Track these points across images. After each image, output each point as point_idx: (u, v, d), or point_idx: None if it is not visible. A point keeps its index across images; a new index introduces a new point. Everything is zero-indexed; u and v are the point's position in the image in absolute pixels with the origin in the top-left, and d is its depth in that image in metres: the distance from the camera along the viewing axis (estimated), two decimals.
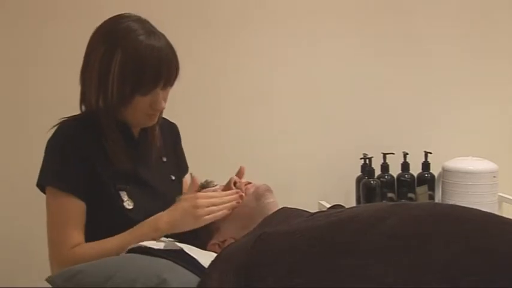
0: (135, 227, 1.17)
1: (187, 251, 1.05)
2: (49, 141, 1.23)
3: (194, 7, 1.95)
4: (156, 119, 1.29)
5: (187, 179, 1.45)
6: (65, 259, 1.18)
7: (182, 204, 1.16)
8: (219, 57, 1.98)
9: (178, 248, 1.06)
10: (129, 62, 1.16)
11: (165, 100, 1.25)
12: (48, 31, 1.86)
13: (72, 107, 1.26)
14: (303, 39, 2.04)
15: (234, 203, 1.18)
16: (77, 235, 1.19)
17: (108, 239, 1.17)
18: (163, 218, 1.16)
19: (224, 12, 1.98)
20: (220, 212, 1.16)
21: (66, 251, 1.18)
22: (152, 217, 1.17)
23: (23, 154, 1.81)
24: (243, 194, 1.20)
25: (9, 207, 1.84)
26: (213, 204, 1.16)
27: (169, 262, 0.99)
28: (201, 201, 1.15)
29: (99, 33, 1.23)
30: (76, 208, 1.19)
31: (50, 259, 1.21)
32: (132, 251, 1.09)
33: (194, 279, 0.95)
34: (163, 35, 1.23)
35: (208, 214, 1.15)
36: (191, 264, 1.00)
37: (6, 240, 1.87)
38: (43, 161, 1.23)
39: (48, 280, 1.04)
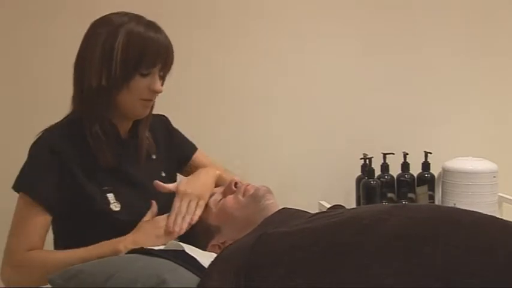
0: (95, 245, 1.17)
1: (188, 252, 1.05)
2: (30, 149, 1.24)
3: (194, 7, 1.95)
4: (149, 109, 1.30)
5: (199, 157, 1.49)
6: (17, 261, 1.19)
7: (144, 226, 1.20)
8: (219, 57, 1.98)
9: (179, 248, 1.06)
10: (133, 40, 1.20)
11: (162, 89, 1.27)
12: (50, 31, 1.86)
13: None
14: (302, 39, 2.04)
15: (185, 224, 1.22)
16: (34, 241, 1.20)
17: (68, 250, 1.18)
18: (123, 242, 1.17)
19: (224, 13, 1.98)
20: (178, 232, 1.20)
21: (20, 253, 1.19)
22: (114, 239, 1.18)
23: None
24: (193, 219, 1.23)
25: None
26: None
27: (170, 262, 1.00)
28: (162, 223, 1.20)
29: (97, 24, 1.25)
30: (41, 218, 1.20)
31: (2, 260, 1.21)
32: (133, 251, 1.09)
33: (194, 279, 0.95)
34: (161, 28, 1.27)
35: (167, 235, 1.19)
36: (192, 264, 1.00)
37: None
38: (22, 167, 1.24)
39: (49, 280, 1.04)
